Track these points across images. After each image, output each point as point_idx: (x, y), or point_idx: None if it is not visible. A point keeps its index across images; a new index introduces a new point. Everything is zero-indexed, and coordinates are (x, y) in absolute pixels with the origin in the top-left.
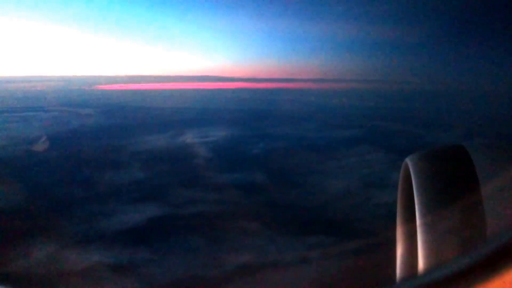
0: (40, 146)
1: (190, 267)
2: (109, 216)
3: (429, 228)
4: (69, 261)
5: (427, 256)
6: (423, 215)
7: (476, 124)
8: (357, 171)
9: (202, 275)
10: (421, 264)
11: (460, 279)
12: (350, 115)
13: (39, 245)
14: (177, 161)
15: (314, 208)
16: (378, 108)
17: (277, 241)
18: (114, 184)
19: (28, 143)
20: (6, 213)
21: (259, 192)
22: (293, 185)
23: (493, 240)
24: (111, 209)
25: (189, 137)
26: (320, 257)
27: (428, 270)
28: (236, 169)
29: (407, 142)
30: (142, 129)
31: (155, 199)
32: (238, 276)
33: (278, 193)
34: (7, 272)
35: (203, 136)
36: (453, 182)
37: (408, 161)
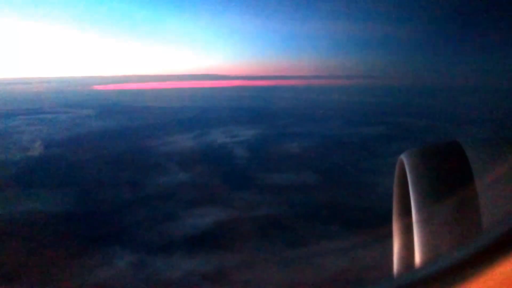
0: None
1: (285, 275)
2: (176, 220)
3: (425, 223)
4: (157, 270)
5: (424, 251)
6: (419, 211)
7: (503, 119)
8: None
9: (303, 282)
10: (417, 259)
11: (456, 272)
12: (363, 111)
13: (115, 253)
14: (220, 162)
15: (383, 208)
16: (389, 104)
17: (362, 244)
18: (170, 187)
19: (56, 146)
20: (63, 218)
21: (324, 193)
22: (350, 185)
23: (487, 233)
24: (176, 213)
25: (220, 137)
26: None
27: (425, 264)
28: (288, 170)
29: (439, 138)
30: (160, 129)
31: (218, 201)
32: (340, 282)
33: (341, 193)
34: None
35: (233, 136)
36: (448, 178)
37: (403, 158)
